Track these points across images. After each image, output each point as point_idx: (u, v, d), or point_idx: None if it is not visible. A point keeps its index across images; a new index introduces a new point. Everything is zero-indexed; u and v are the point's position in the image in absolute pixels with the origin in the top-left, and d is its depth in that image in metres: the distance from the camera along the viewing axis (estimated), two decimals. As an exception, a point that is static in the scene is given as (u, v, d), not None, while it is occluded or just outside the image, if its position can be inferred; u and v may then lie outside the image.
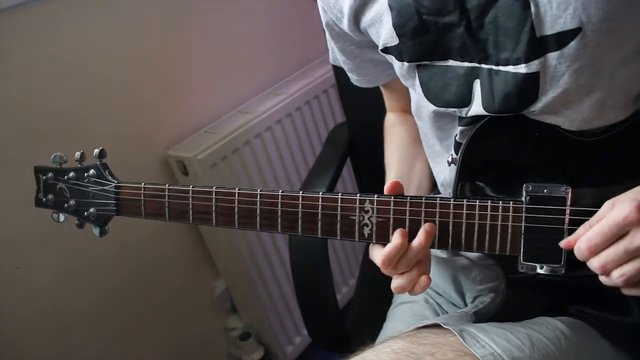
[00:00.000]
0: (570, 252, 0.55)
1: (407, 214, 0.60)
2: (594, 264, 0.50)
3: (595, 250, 0.50)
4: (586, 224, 0.53)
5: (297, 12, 1.49)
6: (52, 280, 1.08)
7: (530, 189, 0.57)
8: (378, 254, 0.60)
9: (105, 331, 1.19)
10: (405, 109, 0.79)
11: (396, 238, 0.58)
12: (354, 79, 0.79)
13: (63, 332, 1.11)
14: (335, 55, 0.78)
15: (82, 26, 1.06)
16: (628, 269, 0.49)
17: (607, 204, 0.52)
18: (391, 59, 0.65)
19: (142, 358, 1.28)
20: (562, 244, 0.55)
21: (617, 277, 0.49)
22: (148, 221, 0.72)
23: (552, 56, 0.53)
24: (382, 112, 0.88)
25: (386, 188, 0.60)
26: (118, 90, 1.14)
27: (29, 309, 1.05)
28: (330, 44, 0.77)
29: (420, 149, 0.76)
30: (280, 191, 0.63)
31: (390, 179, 0.77)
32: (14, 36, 0.97)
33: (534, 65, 0.54)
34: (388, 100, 0.85)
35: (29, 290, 1.05)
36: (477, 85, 0.58)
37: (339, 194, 0.61)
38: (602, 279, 0.51)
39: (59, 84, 1.04)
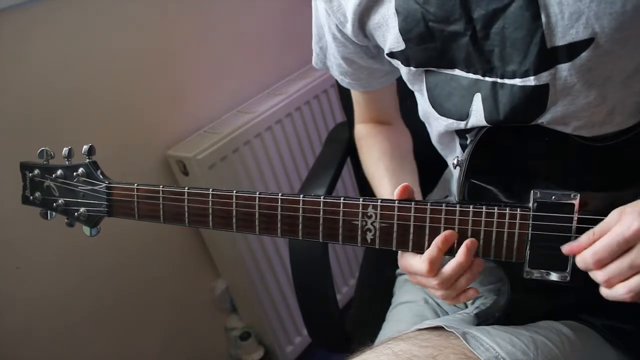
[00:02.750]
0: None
1: (412, 220, 0.58)
2: (599, 276, 0.50)
3: (601, 264, 0.50)
4: (590, 232, 0.52)
5: (297, 12, 1.49)
6: (52, 281, 1.08)
7: (538, 195, 0.56)
8: (422, 262, 0.58)
9: (105, 331, 1.19)
10: (380, 119, 0.78)
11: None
12: (345, 81, 0.77)
13: (63, 332, 1.11)
14: (320, 58, 0.77)
15: (82, 26, 1.06)
16: (633, 283, 0.49)
17: (614, 213, 0.51)
18: (397, 63, 0.64)
19: (141, 358, 1.28)
20: (565, 249, 0.54)
21: (623, 292, 0.49)
22: (147, 222, 0.71)
23: (563, 67, 0.52)
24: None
25: (397, 193, 0.59)
26: (118, 90, 1.13)
27: (29, 309, 1.05)
28: (317, 47, 0.75)
29: (405, 157, 0.75)
30: (279, 195, 0.61)
31: (387, 187, 0.73)
32: (14, 36, 0.97)
33: (543, 77, 0.52)
34: (364, 109, 0.82)
35: (29, 290, 1.05)
36: (477, 99, 0.57)
37: (341, 198, 0.59)
38: (605, 292, 0.51)
39: (58, 84, 1.04)
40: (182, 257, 1.32)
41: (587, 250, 0.51)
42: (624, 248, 0.48)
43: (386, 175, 0.74)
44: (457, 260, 0.56)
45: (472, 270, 0.58)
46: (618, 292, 0.50)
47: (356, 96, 0.81)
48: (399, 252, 0.63)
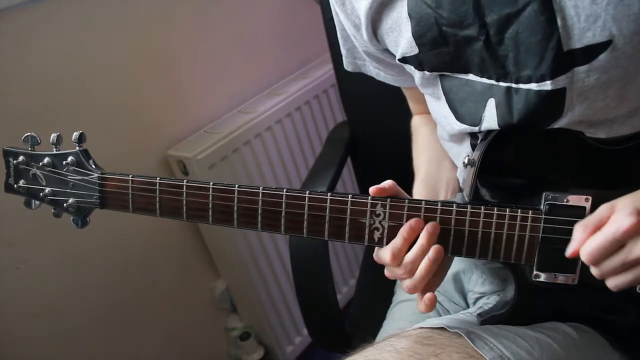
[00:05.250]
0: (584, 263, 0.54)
1: (422, 219, 0.57)
2: (594, 271, 0.52)
3: (595, 262, 0.50)
4: (582, 225, 0.52)
5: (297, 12, 1.49)
6: (52, 281, 1.08)
7: (550, 197, 0.55)
8: (386, 250, 0.58)
9: (105, 331, 1.19)
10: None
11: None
12: (381, 75, 0.75)
13: (63, 332, 1.11)
14: (350, 60, 0.76)
15: (82, 26, 1.06)
16: (622, 280, 0.50)
17: (605, 207, 0.51)
18: (410, 68, 0.63)
19: (141, 358, 1.28)
20: (570, 254, 0.53)
21: (611, 285, 0.51)
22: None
23: (580, 70, 0.51)
24: (382, 111, 0.88)
25: (376, 188, 0.58)
26: (118, 90, 1.13)
27: (29, 309, 1.05)
28: (344, 50, 0.74)
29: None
30: (284, 190, 0.58)
31: (418, 178, 0.75)
32: (14, 36, 0.97)
33: (560, 81, 0.52)
34: (413, 104, 0.83)
35: (29, 290, 1.05)
36: (490, 105, 0.56)
37: (349, 195, 0.58)
38: (597, 278, 0.52)
39: (58, 84, 1.04)
40: (182, 257, 1.32)
41: (582, 249, 0.51)
42: (616, 247, 0.49)
43: (423, 166, 0.74)
44: (419, 242, 0.56)
45: (431, 256, 0.56)
46: (608, 284, 0.52)
47: (404, 90, 0.81)
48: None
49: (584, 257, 0.50)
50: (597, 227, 0.51)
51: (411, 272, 0.57)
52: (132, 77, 1.15)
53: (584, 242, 0.51)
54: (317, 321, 0.92)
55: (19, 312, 1.04)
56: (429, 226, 0.56)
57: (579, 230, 0.52)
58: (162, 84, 1.21)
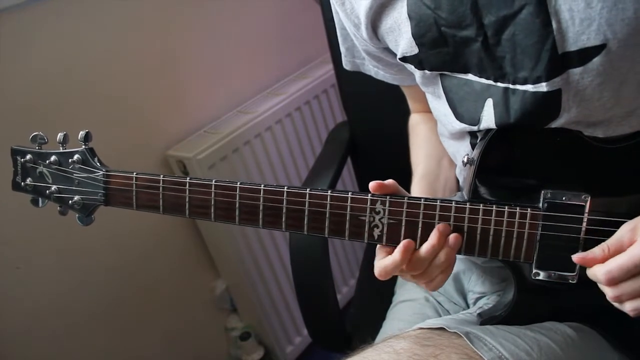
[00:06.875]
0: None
1: (421, 216, 0.57)
2: (609, 292, 0.51)
3: (613, 283, 0.50)
4: (603, 245, 0.52)
5: (297, 12, 1.49)
6: (52, 281, 1.08)
7: (548, 195, 0.55)
8: (377, 263, 0.58)
9: (105, 331, 1.19)
10: (429, 110, 0.78)
11: (397, 254, 0.56)
12: (380, 74, 0.76)
13: (63, 332, 1.11)
14: (348, 59, 0.76)
15: (82, 26, 1.06)
16: None
17: (626, 227, 0.51)
18: (411, 67, 0.63)
19: (141, 358, 1.28)
20: (575, 258, 0.54)
21: (629, 309, 0.50)
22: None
23: (575, 72, 0.51)
24: (382, 111, 0.88)
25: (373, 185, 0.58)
26: (118, 90, 1.13)
27: (29, 309, 1.05)
28: (343, 49, 0.75)
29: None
30: (285, 187, 0.59)
31: (417, 174, 0.75)
32: (14, 36, 0.97)
33: (556, 83, 0.52)
34: (411, 102, 0.84)
35: (29, 290, 1.05)
36: (488, 104, 0.57)
37: (349, 192, 0.58)
38: (612, 301, 0.51)
39: (58, 84, 1.04)
40: (182, 257, 1.32)
41: (599, 266, 0.51)
42: (639, 269, 0.48)
43: (422, 162, 0.75)
44: (430, 242, 0.56)
45: (445, 255, 0.57)
46: (625, 308, 0.51)
47: (402, 89, 0.82)
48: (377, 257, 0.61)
49: (603, 275, 0.50)
50: (618, 249, 0.51)
51: (419, 268, 0.57)
52: (132, 77, 1.15)
53: (600, 260, 0.51)
54: (317, 321, 0.92)
55: (19, 312, 1.04)
56: (440, 226, 0.56)
57: (599, 248, 0.52)
58: (162, 84, 1.21)
